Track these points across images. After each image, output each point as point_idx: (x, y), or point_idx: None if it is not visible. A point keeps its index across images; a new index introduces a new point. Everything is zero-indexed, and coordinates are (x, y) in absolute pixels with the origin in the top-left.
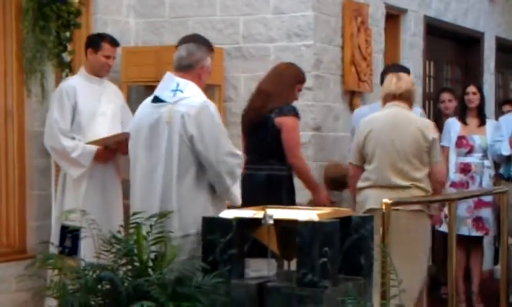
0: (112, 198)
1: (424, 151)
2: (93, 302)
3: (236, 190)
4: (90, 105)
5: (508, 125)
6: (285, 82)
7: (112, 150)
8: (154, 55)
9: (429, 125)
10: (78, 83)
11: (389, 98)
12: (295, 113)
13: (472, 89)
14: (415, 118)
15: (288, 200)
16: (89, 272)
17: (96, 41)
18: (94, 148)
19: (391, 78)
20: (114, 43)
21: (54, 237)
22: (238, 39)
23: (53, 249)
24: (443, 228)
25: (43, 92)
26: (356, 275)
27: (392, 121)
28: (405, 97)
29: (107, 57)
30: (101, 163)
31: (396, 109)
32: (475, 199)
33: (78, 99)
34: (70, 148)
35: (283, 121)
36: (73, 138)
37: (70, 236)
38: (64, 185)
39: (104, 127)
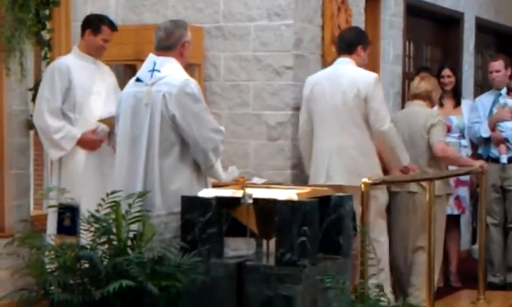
0: (111, 174)
1: (425, 138)
2: (71, 281)
3: (219, 167)
4: (85, 84)
5: (485, 106)
6: None
7: (99, 139)
8: (134, 34)
9: (430, 115)
10: (72, 61)
11: (411, 97)
12: None
13: (446, 72)
14: (422, 111)
15: None
16: (68, 251)
17: (96, 24)
18: (78, 133)
19: (416, 79)
20: (113, 27)
21: (51, 216)
22: (218, 18)
23: (52, 230)
24: None
25: (22, 70)
26: (335, 255)
27: (405, 116)
28: (423, 96)
29: (105, 40)
30: (87, 150)
31: (411, 107)
32: (455, 178)
33: (72, 77)
34: (53, 128)
35: None
36: (65, 115)
37: (69, 215)
38: (61, 161)
39: (99, 106)
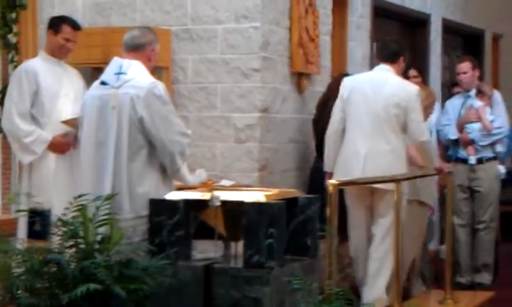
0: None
1: None
2: (38, 285)
3: (185, 170)
4: (53, 87)
5: (455, 108)
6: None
7: (69, 142)
8: (101, 37)
9: None
10: (38, 64)
11: None
12: None
13: (412, 72)
14: None
15: None
16: (35, 255)
17: (56, 23)
18: (49, 137)
19: None
20: (75, 26)
21: (21, 220)
22: (186, 21)
23: (22, 234)
24: None
25: None
26: (303, 256)
27: None
28: None
29: (67, 40)
30: (57, 153)
31: None
32: None
33: (40, 80)
34: (24, 132)
35: None
36: (34, 119)
37: (40, 220)
38: (31, 164)
39: (67, 108)
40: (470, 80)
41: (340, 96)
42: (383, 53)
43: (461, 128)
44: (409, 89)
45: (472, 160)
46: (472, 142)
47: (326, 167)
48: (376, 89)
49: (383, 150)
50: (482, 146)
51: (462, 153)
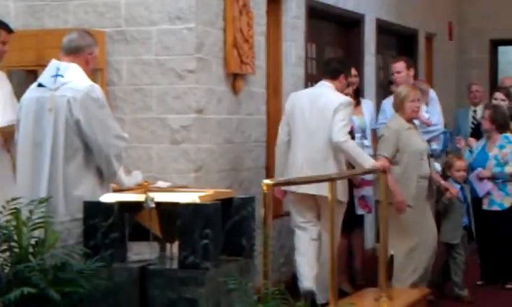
0: (8, 189)
1: None
2: None
3: (122, 173)
4: None
5: (391, 107)
6: None
7: None
8: (34, 39)
9: None
10: None
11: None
12: None
13: (353, 71)
14: None
15: None
16: None
17: None
18: None
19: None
20: (9, 29)
21: None
22: (120, 22)
23: None
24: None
25: None
26: (238, 256)
27: None
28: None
29: (3, 43)
30: None
31: None
32: (359, 178)
33: None
34: None
35: None
36: None
37: None
38: None
39: None
40: (404, 79)
41: (285, 110)
42: (325, 70)
43: None
44: (339, 99)
45: None
46: None
47: (276, 176)
48: (312, 103)
49: (318, 159)
50: None
51: None
